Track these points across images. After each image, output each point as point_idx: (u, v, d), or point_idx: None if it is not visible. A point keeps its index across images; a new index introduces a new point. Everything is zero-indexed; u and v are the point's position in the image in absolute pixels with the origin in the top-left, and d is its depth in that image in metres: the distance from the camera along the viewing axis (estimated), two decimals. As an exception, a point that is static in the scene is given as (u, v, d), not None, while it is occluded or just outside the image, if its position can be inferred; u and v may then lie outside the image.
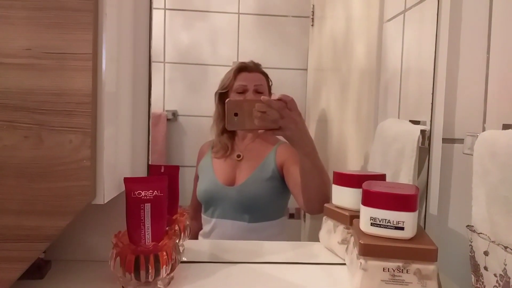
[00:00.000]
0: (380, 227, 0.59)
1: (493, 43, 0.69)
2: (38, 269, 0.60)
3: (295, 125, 0.79)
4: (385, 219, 0.59)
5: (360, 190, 0.69)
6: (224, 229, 1.07)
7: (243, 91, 1.11)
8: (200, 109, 1.25)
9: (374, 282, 0.57)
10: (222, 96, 1.13)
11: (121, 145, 0.61)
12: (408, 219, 0.58)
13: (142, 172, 0.69)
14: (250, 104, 0.75)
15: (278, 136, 0.88)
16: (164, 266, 0.58)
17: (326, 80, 1.32)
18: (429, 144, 0.73)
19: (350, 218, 0.70)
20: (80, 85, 0.50)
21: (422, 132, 0.75)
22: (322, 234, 0.78)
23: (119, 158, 0.60)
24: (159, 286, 0.58)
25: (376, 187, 0.62)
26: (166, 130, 1.23)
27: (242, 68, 1.14)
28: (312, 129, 1.30)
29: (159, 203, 0.59)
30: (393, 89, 0.95)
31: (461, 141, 0.71)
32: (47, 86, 0.50)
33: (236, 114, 0.73)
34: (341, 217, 0.73)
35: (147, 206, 0.59)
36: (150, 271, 0.57)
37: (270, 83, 1.17)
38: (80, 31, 0.50)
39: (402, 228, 0.58)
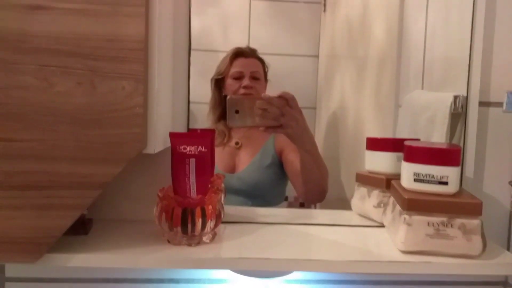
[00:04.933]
0: (423, 182, 0.59)
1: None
2: (82, 225, 0.60)
3: (295, 122, 0.80)
4: (429, 174, 0.59)
5: (395, 154, 0.71)
6: None
7: (239, 77, 1.11)
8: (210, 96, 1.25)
9: (418, 237, 0.57)
10: (218, 82, 1.12)
11: (163, 100, 0.61)
12: (452, 174, 0.58)
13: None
14: (251, 101, 0.76)
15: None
16: (210, 220, 0.58)
17: (340, 66, 1.32)
18: (465, 109, 0.74)
19: (386, 182, 0.71)
20: (133, 31, 0.50)
21: (455, 98, 0.75)
22: (355, 201, 0.79)
23: (163, 113, 0.60)
24: (204, 240, 0.59)
25: (417, 144, 0.62)
26: (177, 117, 1.22)
27: (238, 54, 1.13)
28: (324, 117, 1.30)
29: (203, 158, 0.59)
30: (416, 65, 0.95)
31: (496, 104, 0.72)
32: (100, 32, 0.50)
33: (237, 111, 0.75)
34: (376, 182, 0.73)
35: (192, 161, 0.59)
36: (196, 224, 0.57)
37: (266, 69, 1.17)
38: (133, -23, 0.50)
39: (446, 183, 0.58)
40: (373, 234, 0.67)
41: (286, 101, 0.78)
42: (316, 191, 0.92)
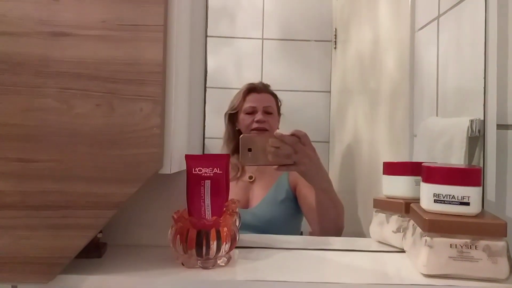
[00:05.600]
0: (444, 203, 0.58)
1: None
2: (96, 248, 0.59)
3: (309, 160, 0.80)
4: (449, 195, 0.57)
5: (413, 177, 0.70)
6: None
7: (252, 112, 1.12)
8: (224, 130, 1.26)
9: (441, 259, 0.55)
10: (231, 116, 1.14)
11: (180, 122, 0.62)
12: (473, 194, 0.57)
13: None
14: (263, 140, 0.76)
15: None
16: (225, 243, 0.57)
17: (352, 100, 1.33)
18: (482, 132, 0.73)
19: (405, 206, 0.69)
20: (152, 55, 0.52)
21: (471, 122, 0.75)
22: (373, 227, 0.77)
23: (179, 135, 0.60)
24: (219, 263, 0.57)
25: (436, 165, 0.61)
26: (192, 152, 1.24)
27: (251, 89, 1.15)
28: (337, 150, 1.29)
29: (218, 180, 0.59)
30: (430, 94, 0.95)
31: (514, 126, 0.71)
32: (120, 56, 0.51)
33: (250, 150, 0.75)
34: (395, 206, 0.71)
35: (207, 183, 0.59)
36: (211, 246, 0.56)
37: (279, 103, 1.18)
38: (152, 4, 0.52)
39: (467, 204, 0.57)
40: (393, 259, 0.65)
41: (298, 138, 0.78)
42: (332, 229, 0.91)
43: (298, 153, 0.77)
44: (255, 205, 1.07)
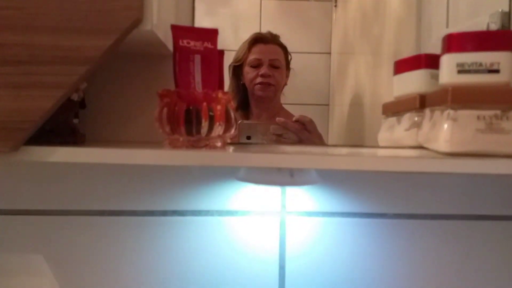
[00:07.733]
0: (469, 73, 0.50)
1: None
2: (72, 133, 0.52)
3: None
4: (476, 63, 0.50)
5: (428, 70, 0.62)
6: None
7: (257, 65, 1.04)
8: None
9: (467, 133, 0.48)
10: (236, 69, 1.06)
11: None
12: (504, 60, 0.49)
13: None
14: (264, 127, 0.71)
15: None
16: (218, 123, 0.49)
17: (353, 59, 1.26)
18: (507, 25, 0.66)
19: (420, 99, 0.61)
20: None
21: (491, 16, 0.68)
22: (382, 134, 0.69)
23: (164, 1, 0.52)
24: (216, 144, 0.50)
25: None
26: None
27: (258, 39, 1.06)
28: (338, 113, 1.23)
29: (209, 56, 0.52)
30: (438, 22, 0.89)
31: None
32: None
33: (249, 137, 0.69)
34: (407, 103, 0.64)
35: (197, 57, 0.51)
36: (203, 124, 0.48)
37: (289, 57, 1.10)
38: None
39: (497, 71, 0.49)
40: (407, 151, 0.58)
41: (303, 125, 0.71)
42: None
43: (303, 142, 0.71)
44: None
